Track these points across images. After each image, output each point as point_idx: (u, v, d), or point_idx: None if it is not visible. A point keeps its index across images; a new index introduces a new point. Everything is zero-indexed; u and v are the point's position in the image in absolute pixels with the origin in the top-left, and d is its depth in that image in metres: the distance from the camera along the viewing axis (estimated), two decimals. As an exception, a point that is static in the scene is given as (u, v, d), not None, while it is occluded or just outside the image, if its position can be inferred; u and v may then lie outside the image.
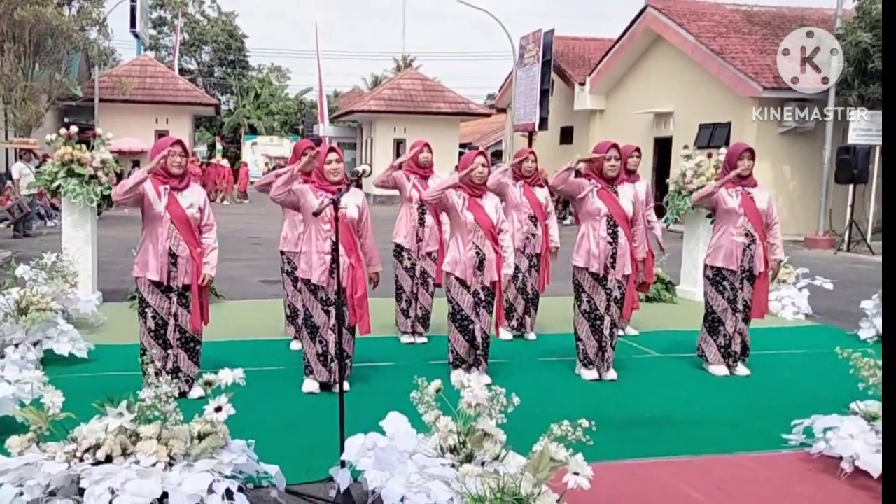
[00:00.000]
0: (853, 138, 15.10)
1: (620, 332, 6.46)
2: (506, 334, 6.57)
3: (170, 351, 4.70)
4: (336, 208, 3.60)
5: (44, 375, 3.58)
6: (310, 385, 4.89)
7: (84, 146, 7.25)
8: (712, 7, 19.98)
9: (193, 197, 4.73)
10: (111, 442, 2.99)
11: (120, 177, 7.89)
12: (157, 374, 3.16)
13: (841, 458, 3.72)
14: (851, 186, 15.18)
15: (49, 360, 5.26)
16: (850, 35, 15.47)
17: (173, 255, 4.63)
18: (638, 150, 6.55)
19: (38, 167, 13.24)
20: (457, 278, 5.04)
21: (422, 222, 6.23)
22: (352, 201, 4.79)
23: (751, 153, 5.51)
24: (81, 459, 2.98)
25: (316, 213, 3.83)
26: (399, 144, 25.07)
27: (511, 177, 6.45)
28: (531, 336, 6.59)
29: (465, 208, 5.02)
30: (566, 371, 5.52)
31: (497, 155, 29.12)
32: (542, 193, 6.44)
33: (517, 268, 6.36)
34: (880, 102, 15.03)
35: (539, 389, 5.08)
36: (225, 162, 27.32)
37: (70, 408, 3.20)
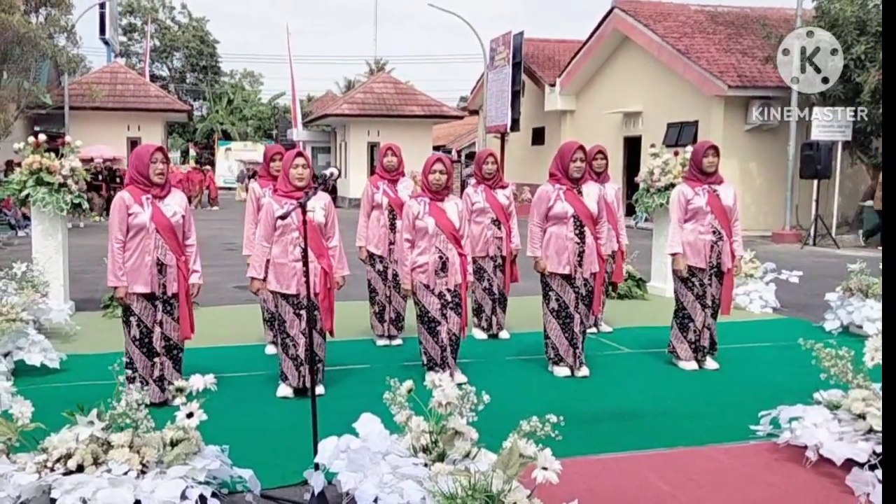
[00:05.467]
0: (816, 134, 15.38)
1: (593, 330, 6.56)
2: (480, 334, 6.64)
3: (156, 359, 4.68)
4: (304, 212, 3.58)
5: (12, 386, 3.55)
6: (284, 390, 4.89)
7: (53, 154, 7.19)
8: (677, 8, 20.25)
9: (176, 204, 4.69)
10: (82, 451, 2.97)
11: (88, 184, 7.81)
12: (129, 380, 3.15)
13: (806, 447, 3.80)
14: (816, 182, 15.46)
15: (21, 371, 5.21)
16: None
17: (161, 265, 4.61)
18: (601, 151, 6.55)
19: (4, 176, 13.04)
20: (421, 282, 5.07)
21: (392, 227, 6.24)
22: (317, 204, 4.75)
23: (715, 150, 5.58)
24: (52, 469, 2.96)
25: (283, 217, 3.82)
26: (373, 148, 25.04)
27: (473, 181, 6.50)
28: (504, 335, 6.64)
29: (426, 214, 5.04)
30: (539, 369, 5.58)
31: (471, 157, 29.19)
32: (503, 195, 6.49)
33: (483, 269, 6.42)
34: (841, 99, 15.35)
35: (513, 387, 5.14)
36: (185, 168, 27.24)
37: (41, 418, 3.18)
